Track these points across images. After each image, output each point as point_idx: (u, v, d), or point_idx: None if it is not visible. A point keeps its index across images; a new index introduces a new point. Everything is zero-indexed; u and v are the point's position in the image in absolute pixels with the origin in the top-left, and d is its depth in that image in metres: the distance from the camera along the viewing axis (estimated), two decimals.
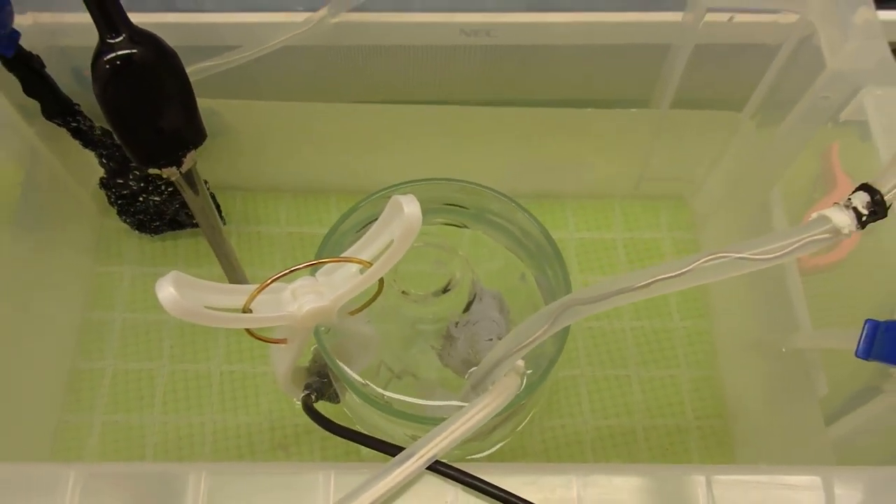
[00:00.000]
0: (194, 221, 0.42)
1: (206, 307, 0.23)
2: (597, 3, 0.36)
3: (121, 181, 0.39)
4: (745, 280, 0.39)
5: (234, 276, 0.39)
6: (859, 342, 0.27)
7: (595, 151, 0.42)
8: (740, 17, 0.33)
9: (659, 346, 0.42)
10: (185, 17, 0.37)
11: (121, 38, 0.31)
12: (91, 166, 0.39)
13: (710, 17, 0.34)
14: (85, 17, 0.31)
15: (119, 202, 0.40)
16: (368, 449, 0.24)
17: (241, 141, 0.41)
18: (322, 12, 0.37)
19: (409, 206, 0.24)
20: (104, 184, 0.40)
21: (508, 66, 0.40)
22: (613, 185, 0.44)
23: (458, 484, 0.22)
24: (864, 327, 0.27)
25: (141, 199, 0.40)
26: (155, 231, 0.42)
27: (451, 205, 0.32)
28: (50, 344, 0.39)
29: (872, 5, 0.33)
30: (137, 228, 0.42)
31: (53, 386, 0.39)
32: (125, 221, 0.41)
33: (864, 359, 0.27)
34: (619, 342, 0.42)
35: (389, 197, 0.24)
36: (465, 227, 0.33)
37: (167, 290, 0.22)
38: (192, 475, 0.22)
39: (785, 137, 0.36)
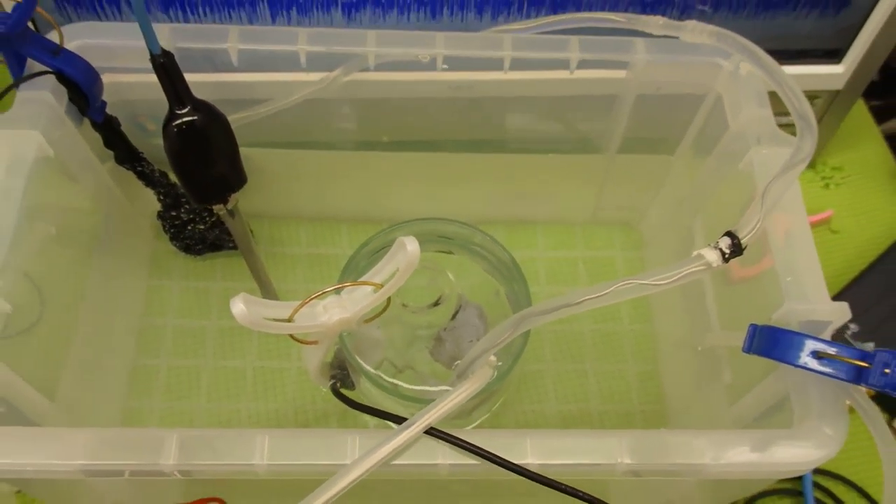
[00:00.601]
0: (230, 244, 0.51)
1: (263, 318, 0.32)
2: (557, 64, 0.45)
3: (174, 213, 0.48)
4: (678, 291, 0.48)
5: (266, 289, 0.48)
6: (745, 341, 0.36)
7: (559, 186, 0.51)
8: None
9: (611, 345, 0.51)
10: (225, 76, 0.46)
11: (186, 109, 0.40)
12: (150, 201, 0.48)
13: (643, 77, 0.43)
14: (144, 78, 0.39)
15: (171, 230, 0.49)
16: (378, 421, 0.33)
17: (269, 179, 0.49)
18: (337, 72, 0.46)
19: (411, 246, 0.33)
20: (160, 215, 0.49)
21: (488, 115, 0.49)
22: (575, 213, 0.54)
23: (445, 443, 0.31)
24: (748, 330, 0.36)
25: (189, 227, 0.49)
26: (198, 252, 0.51)
27: (441, 237, 0.41)
28: (117, 343, 0.48)
29: (764, 91, 0.42)
30: (185, 251, 0.51)
31: (120, 378, 0.48)
32: (175, 245, 0.51)
33: (747, 353, 0.36)
34: (578, 342, 0.51)
35: (394, 233, 0.33)
36: (452, 253, 0.42)
37: (238, 306, 0.31)
38: (259, 437, 0.31)
39: (704, 177, 0.45)
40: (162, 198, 0.48)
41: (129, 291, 0.50)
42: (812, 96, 0.57)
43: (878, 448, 0.32)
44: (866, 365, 0.30)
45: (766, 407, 0.37)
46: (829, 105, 0.57)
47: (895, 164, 0.64)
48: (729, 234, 0.31)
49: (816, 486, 0.49)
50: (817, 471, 0.49)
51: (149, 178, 0.46)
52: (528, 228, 0.54)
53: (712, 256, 0.31)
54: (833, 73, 0.55)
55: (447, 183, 0.50)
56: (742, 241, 0.31)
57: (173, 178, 0.47)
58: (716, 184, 0.44)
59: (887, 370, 0.30)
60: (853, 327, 0.53)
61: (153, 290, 0.51)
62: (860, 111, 0.67)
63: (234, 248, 0.51)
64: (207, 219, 0.49)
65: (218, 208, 0.44)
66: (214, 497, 0.41)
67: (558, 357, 0.51)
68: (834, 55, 0.54)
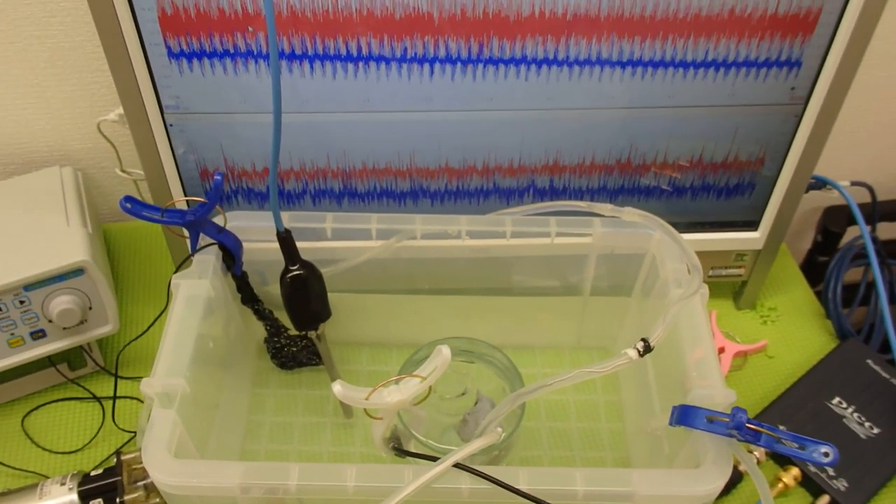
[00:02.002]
0: (313, 362, 0.70)
1: (351, 396, 0.51)
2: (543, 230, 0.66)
3: (276, 339, 0.68)
4: (634, 391, 0.66)
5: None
6: (670, 418, 0.54)
7: (550, 320, 0.70)
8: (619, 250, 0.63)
9: (589, 410, 0.68)
10: (319, 244, 0.65)
11: (296, 266, 0.60)
12: (259, 330, 0.68)
13: (601, 242, 0.63)
14: (266, 246, 0.60)
15: (272, 351, 0.69)
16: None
17: (344, 315, 0.69)
18: (392, 240, 0.67)
19: (445, 350, 0.52)
20: (266, 340, 0.69)
21: (497, 270, 0.69)
22: (563, 339, 0.73)
23: (468, 473, 0.48)
24: (671, 410, 0.54)
25: (285, 349, 0.69)
26: (290, 368, 0.71)
27: (466, 351, 0.60)
28: (231, 431, 0.66)
29: (681, 252, 0.61)
30: (280, 367, 0.70)
31: (233, 456, 0.66)
32: (273, 363, 0.70)
33: (671, 426, 0.53)
34: (564, 408, 0.68)
35: (434, 347, 0.52)
36: (473, 363, 0.61)
37: (337, 388, 0.50)
38: (349, 469, 0.48)
39: (648, 310, 0.64)
40: (268, 328, 0.68)
41: (239, 394, 0.68)
42: (741, 254, 0.76)
43: (753, 478, 0.49)
44: (727, 421, 0.48)
45: (688, 458, 0.54)
46: (755, 260, 0.77)
47: (819, 305, 0.82)
48: (643, 339, 0.50)
49: None
50: None
51: (261, 314, 0.67)
52: (528, 351, 0.73)
53: (633, 354, 0.50)
54: (753, 238, 0.75)
55: (469, 317, 0.69)
56: (651, 344, 0.50)
57: (276, 314, 0.67)
58: (655, 314, 0.63)
59: (737, 430, 0.47)
60: (783, 428, 0.70)
61: (256, 396, 0.70)
62: (790, 264, 0.86)
63: (315, 364, 0.70)
64: (299, 343, 0.68)
65: (311, 334, 0.63)
66: None
67: (550, 418, 0.68)
68: (752, 225, 0.75)
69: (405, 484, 0.47)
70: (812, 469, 0.66)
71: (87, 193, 0.77)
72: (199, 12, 0.57)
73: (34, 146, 0.82)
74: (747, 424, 0.47)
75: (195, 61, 0.59)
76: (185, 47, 0.59)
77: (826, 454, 0.47)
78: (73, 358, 0.74)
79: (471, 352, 0.61)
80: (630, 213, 0.60)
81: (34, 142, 0.82)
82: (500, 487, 0.48)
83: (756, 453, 0.68)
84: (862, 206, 0.79)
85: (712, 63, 0.63)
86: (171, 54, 0.59)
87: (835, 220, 0.95)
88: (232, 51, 0.59)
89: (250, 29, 0.58)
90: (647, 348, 0.50)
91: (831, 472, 0.66)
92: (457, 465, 0.48)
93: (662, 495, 0.48)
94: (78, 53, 0.75)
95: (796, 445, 0.47)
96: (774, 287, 0.83)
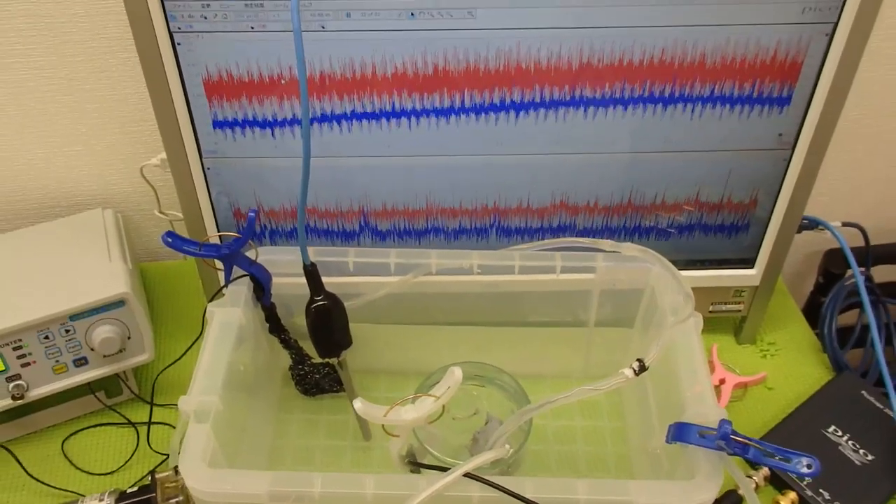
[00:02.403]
0: (335, 389, 0.75)
1: (371, 413, 0.56)
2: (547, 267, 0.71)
3: (300, 367, 0.73)
4: (638, 412, 0.70)
5: (360, 418, 0.71)
6: (666, 436, 0.58)
7: (558, 350, 0.75)
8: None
9: (595, 436, 0.72)
10: (340, 279, 0.70)
11: (320, 297, 0.66)
12: (284, 359, 0.73)
13: (603, 277, 0.68)
14: (292, 280, 0.65)
15: (296, 378, 0.74)
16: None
17: (364, 344, 0.74)
18: (409, 276, 0.72)
19: (457, 372, 0.56)
20: (291, 368, 0.74)
21: (507, 303, 0.74)
22: (570, 368, 0.77)
23: (477, 482, 0.52)
24: (668, 428, 0.58)
25: (308, 376, 0.73)
26: (312, 394, 0.75)
27: (477, 375, 0.65)
28: (256, 453, 0.70)
29: (676, 283, 0.66)
30: (303, 393, 0.75)
31: None
32: (297, 389, 0.75)
33: (668, 443, 0.57)
34: (571, 433, 0.72)
35: (447, 369, 0.57)
36: (484, 386, 0.65)
37: (358, 404, 0.54)
38: (368, 478, 0.53)
39: (649, 339, 0.68)
40: (293, 356, 0.72)
41: (265, 420, 0.73)
42: (739, 290, 0.81)
43: (741, 487, 0.53)
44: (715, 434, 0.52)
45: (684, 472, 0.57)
46: (753, 296, 0.81)
47: (816, 341, 0.86)
48: (639, 360, 0.54)
49: None
50: None
51: (287, 343, 0.72)
52: (538, 380, 0.76)
53: (629, 373, 0.54)
54: (750, 274, 0.79)
55: (481, 347, 0.73)
56: (646, 364, 0.54)
57: (300, 343, 0.72)
58: (658, 343, 0.67)
59: (723, 441, 0.51)
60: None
61: (281, 421, 0.74)
62: (789, 303, 0.90)
63: (337, 391, 0.75)
64: (321, 371, 0.73)
65: (333, 361, 0.68)
66: None
67: (558, 442, 0.72)
68: (749, 262, 0.79)
69: (419, 492, 0.51)
70: (809, 493, 0.70)
71: (126, 234, 0.83)
72: (237, 71, 0.63)
73: (79, 190, 0.89)
74: (732, 437, 0.51)
75: (231, 119, 0.66)
76: (227, 110, 0.65)
77: (809, 465, 0.51)
78: (110, 386, 0.78)
79: (481, 376, 0.65)
80: (629, 248, 0.65)
81: (79, 186, 0.89)
82: (508, 496, 0.52)
83: (755, 478, 0.71)
84: (857, 249, 0.83)
85: (706, 112, 0.68)
86: (212, 116, 0.65)
87: (835, 262, 0.99)
88: (268, 116, 0.65)
89: (283, 82, 0.64)
90: (643, 367, 0.54)
91: (827, 495, 0.69)
92: (467, 475, 0.52)
93: (658, 503, 0.52)
94: (123, 106, 0.82)
95: (780, 458, 0.51)
96: (774, 323, 0.87)
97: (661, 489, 0.53)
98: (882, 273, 0.93)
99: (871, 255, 0.89)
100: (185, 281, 0.91)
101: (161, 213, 0.83)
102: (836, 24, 0.63)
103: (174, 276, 0.92)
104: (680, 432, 0.55)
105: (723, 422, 0.52)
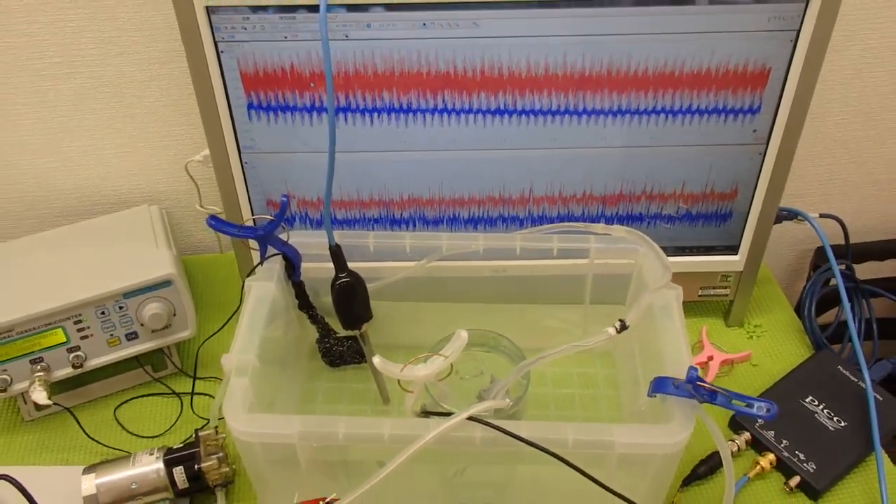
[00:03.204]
0: (357, 360, 0.83)
1: (389, 369, 0.64)
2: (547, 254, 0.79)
3: (326, 340, 0.82)
4: (629, 378, 0.78)
5: (380, 386, 0.79)
6: (648, 390, 0.65)
7: (557, 324, 0.82)
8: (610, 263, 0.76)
9: (589, 380, 0.80)
10: (362, 264, 0.80)
11: (344, 274, 0.74)
12: (311, 335, 0.82)
13: (597, 260, 0.76)
14: (319, 264, 0.74)
15: (322, 350, 0.82)
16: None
17: (381, 321, 0.82)
18: (423, 261, 0.80)
19: (463, 334, 0.65)
20: (317, 341, 0.82)
21: (512, 285, 0.82)
22: (569, 341, 0.84)
23: (480, 426, 0.60)
24: (649, 384, 0.65)
25: (334, 349, 0.82)
26: (336, 365, 0.84)
27: (483, 343, 0.73)
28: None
29: (664, 268, 0.74)
30: (329, 365, 0.84)
31: None
32: (323, 361, 0.83)
33: (650, 396, 0.65)
34: (568, 379, 0.81)
35: (455, 332, 0.65)
36: (488, 351, 0.73)
37: (378, 360, 0.63)
38: (386, 422, 0.61)
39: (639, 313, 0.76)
40: (319, 330, 0.81)
41: (293, 387, 0.81)
42: (725, 275, 0.88)
43: (714, 439, 0.60)
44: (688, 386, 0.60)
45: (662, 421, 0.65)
46: (738, 281, 0.89)
47: (799, 324, 0.93)
48: (620, 320, 0.62)
49: None
50: None
51: (314, 318, 0.80)
52: (538, 351, 0.84)
53: (611, 331, 0.62)
54: (734, 260, 0.87)
55: (487, 322, 0.81)
56: (626, 323, 0.62)
57: (326, 319, 0.81)
58: (643, 317, 0.75)
59: (691, 385, 0.59)
60: (760, 421, 0.80)
61: (308, 390, 0.83)
62: (774, 290, 0.98)
63: (359, 362, 0.83)
64: (345, 343, 0.82)
65: (356, 333, 0.77)
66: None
67: (559, 408, 0.79)
68: (733, 249, 0.87)
69: (429, 431, 0.59)
70: (786, 454, 0.77)
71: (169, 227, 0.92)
72: (273, 72, 0.73)
73: (126, 188, 0.99)
74: (699, 383, 0.59)
75: (269, 112, 0.75)
76: (261, 101, 0.74)
77: (767, 409, 0.58)
78: (156, 361, 0.88)
79: (485, 343, 0.73)
80: (618, 230, 0.73)
81: (127, 185, 0.98)
82: (506, 436, 0.59)
83: (737, 441, 0.78)
84: (837, 248, 0.91)
85: (687, 110, 0.76)
86: (249, 106, 0.75)
87: (823, 257, 1.06)
88: (297, 114, 0.75)
89: (312, 85, 0.74)
90: (624, 326, 0.62)
91: (802, 456, 0.76)
92: (470, 418, 0.60)
93: (637, 443, 0.60)
94: (170, 110, 0.92)
95: (743, 404, 0.59)
96: (760, 308, 0.95)
97: (640, 431, 0.60)
98: (867, 270, 1.00)
99: (850, 244, 0.96)
100: (222, 272, 1.00)
101: (201, 206, 0.92)
102: (798, 31, 0.71)
103: (211, 267, 1.02)
104: (658, 385, 0.63)
105: (690, 368, 0.60)
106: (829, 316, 0.96)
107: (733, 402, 0.59)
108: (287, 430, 0.61)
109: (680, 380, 0.61)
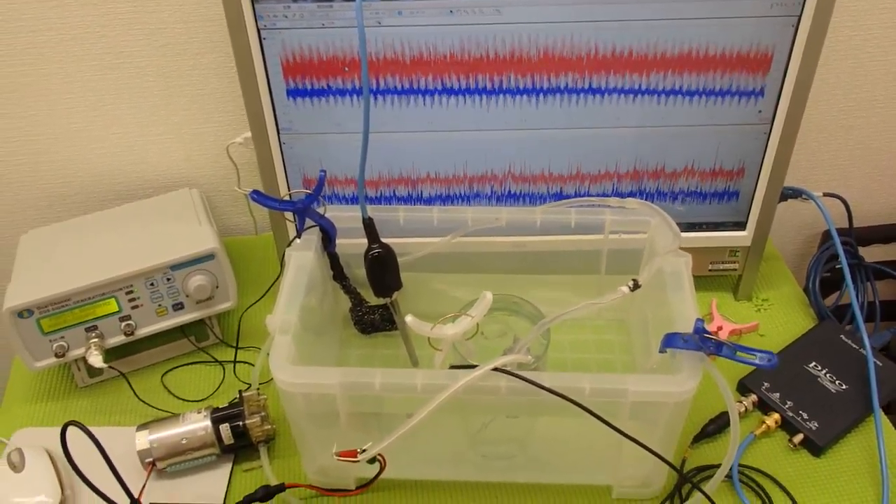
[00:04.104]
0: (388, 328, 0.89)
1: (420, 327, 0.70)
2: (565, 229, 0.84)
3: (358, 309, 0.87)
4: (641, 339, 0.83)
5: (410, 351, 0.85)
6: (659, 346, 0.70)
7: (574, 295, 0.88)
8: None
9: (604, 346, 0.86)
10: (391, 239, 0.85)
11: (376, 245, 0.80)
12: (345, 301, 0.87)
13: (612, 237, 0.82)
14: (348, 241, 0.80)
15: (355, 319, 0.88)
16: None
17: (410, 291, 0.88)
18: (449, 237, 0.86)
19: (488, 295, 0.70)
20: (350, 310, 0.88)
21: (533, 258, 0.88)
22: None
23: (505, 375, 0.66)
24: (661, 340, 0.70)
25: (366, 317, 0.88)
26: (369, 333, 0.89)
27: (506, 306, 0.79)
28: None
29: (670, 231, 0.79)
30: (361, 331, 0.89)
31: None
32: (356, 329, 0.89)
33: (661, 352, 0.70)
34: (585, 345, 0.87)
35: (481, 294, 0.71)
36: (511, 315, 0.79)
37: (410, 318, 0.68)
38: (419, 373, 0.66)
39: (653, 283, 0.81)
40: (352, 300, 0.87)
41: (329, 352, 0.87)
42: (734, 250, 0.94)
43: (720, 388, 0.66)
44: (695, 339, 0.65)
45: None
46: (746, 255, 0.94)
47: (805, 298, 0.98)
48: (634, 279, 0.68)
49: (743, 475, 0.79)
50: (744, 466, 0.79)
51: (347, 288, 0.86)
52: (557, 325, 0.90)
53: (625, 289, 0.68)
54: (742, 236, 0.92)
55: (511, 290, 0.87)
56: (639, 282, 0.67)
57: (359, 290, 0.87)
58: (657, 285, 0.80)
59: (697, 335, 0.64)
60: (766, 384, 0.85)
61: (342, 356, 0.89)
62: (781, 267, 1.03)
63: (389, 330, 0.89)
64: (376, 312, 0.88)
65: (387, 301, 0.83)
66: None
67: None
68: (741, 226, 0.92)
69: (458, 380, 0.65)
70: (790, 414, 0.82)
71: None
72: (310, 58, 0.79)
73: (168, 173, 1.05)
74: (704, 335, 0.64)
75: (306, 96, 0.81)
76: (298, 85, 0.81)
77: (769, 360, 0.63)
78: (199, 333, 0.94)
79: (508, 307, 0.79)
80: (631, 203, 0.79)
81: (169, 170, 1.05)
82: (528, 384, 0.65)
83: (745, 402, 0.83)
84: (842, 231, 0.96)
85: (696, 92, 0.82)
86: (288, 90, 0.81)
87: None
88: (331, 87, 0.81)
89: (346, 69, 0.80)
90: (637, 285, 0.68)
91: (805, 415, 0.81)
92: (496, 370, 0.66)
93: (648, 391, 0.65)
94: (209, 98, 0.98)
95: (746, 354, 0.64)
96: (768, 283, 1.00)
97: (651, 381, 0.66)
98: (874, 254, 1.05)
99: (853, 222, 1.01)
100: (258, 252, 1.07)
101: (239, 188, 0.99)
102: (799, 17, 0.76)
103: (247, 248, 1.08)
104: (668, 340, 0.68)
105: (697, 320, 0.65)
106: (836, 299, 1.01)
107: (738, 353, 0.64)
108: (328, 381, 0.67)
109: (688, 333, 0.66)
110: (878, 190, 1.14)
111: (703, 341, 0.65)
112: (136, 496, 0.70)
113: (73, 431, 0.65)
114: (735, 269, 0.95)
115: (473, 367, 0.70)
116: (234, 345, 0.93)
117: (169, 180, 1.06)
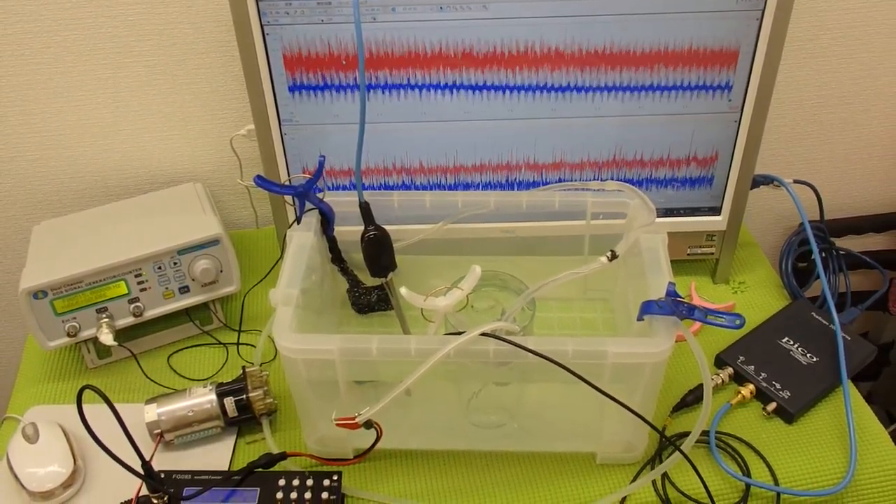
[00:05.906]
0: (383, 308, 0.94)
1: (414, 298, 0.75)
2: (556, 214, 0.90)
3: (355, 290, 0.92)
4: (622, 307, 0.88)
5: (404, 327, 0.90)
6: (638, 314, 0.75)
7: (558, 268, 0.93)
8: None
9: (589, 324, 0.89)
10: (385, 226, 0.91)
11: (372, 228, 0.85)
12: (342, 283, 0.92)
13: (593, 222, 0.87)
14: (345, 229, 0.85)
15: (352, 299, 0.93)
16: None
17: (404, 273, 0.93)
18: (440, 224, 0.91)
19: (477, 269, 0.75)
20: (348, 291, 0.93)
21: (521, 243, 0.93)
22: (571, 292, 0.95)
23: (493, 339, 0.71)
24: (639, 308, 0.75)
25: (362, 298, 0.93)
26: (364, 313, 0.94)
27: (495, 282, 0.84)
28: None
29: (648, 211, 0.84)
30: (358, 312, 0.94)
31: None
32: (353, 309, 0.94)
33: (639, 320, 0.75)
34: (572, 323, 0.92)
35: (470, 268, 0.76)
36: (500, 290, 0.84)
37: (404, 290, 0.73)
38: (413, 339, 0.71)
39: (635, 264, 0.86)
40: (350, 281, 0.92)
41: (328, 332, 0.92)
42: (710, 234, 0.99)
43: (691, 347, 0.71)
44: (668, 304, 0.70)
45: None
46: (722, 238, 0.99)
47: (779, 281, 1.03)
48: (612, 250, 0.73)
49: (720, 441, 0.83)
50: (721, 433, 0.84)
51: (345, 271, 0.91)
52: (544, 301, 0.95)
53: (604, 260, 0.73)
54: (717, 220, 0.98)
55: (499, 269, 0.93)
56: (616, 252, 0.73)
57: (356, 272, 0.92)
58: (638, 266, 0.85)
59: (669, 297, 0.69)
60: (742, 358, 0.90)
61: (342, 331, 0.93)
62: (756, 252, 1.08)
63: (385, 310, 0.94)
64: (373, 293, 0.92)
65: (382, 282, 0.87)
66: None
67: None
68: (716, 211, 0.97)
69: (448, 343, 0.70)
70: (764, 385, 0.87)
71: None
72: (309, 52, 0.84)
73: (173, 168, 1.11)
74: (676, 298, 0.69)
75: (306, 89, 0.87)
76: (299, 80, 0.86)
77: (737, 322, 0.68)
78: (203, 317, 0.98)
79: (497, 283, 0.84)
80: (611, 184, 0.84)
81: (174, 164, 1.10)
82: (515, 348, 0.70)
83: (721, 375, 0.88)
84: (815, 223, 1.01)
85: (672, 86, 0.87)
86: (289, 84, 0.86)
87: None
88: (330, 81, 0.86)
89: (344, 63, 0.85)
90: (614, 256, 0.73)
91: (778, 385, 0.86)
92: (483, 334, 0.71)
93: (626, 352, 0.70)
94: (213, 95, 1.04)
95: (716, 317, 0.69)
96: (744, 267, 1.05)
97: (628, 343, 0.71)
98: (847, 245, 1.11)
99: (823, 210, 1.06)
100: (260, 244, 1.12)
101: (241, 181, 1.04)
102: (763, 10, 0.82)
103: (249, 240, 1.13)
104: (645, 308, 0.73)
105: (669, 283, 0.70)
106: (813, 290, 1.06)
107: (708, 316, 0.70)
108: (328, 346, 0.72)
109: (662, 298, 0.71)
110: (849, 181, 1.20)
111: (675, 305, 0.70)
112: (146, 458, 0.74)
113: (84, 409, 0.68)
114: (712, 253, 1.00)
115: (459, 333, 0.75)
116: (237, 328, 0.97)
117: (173, 175, 1.11)
